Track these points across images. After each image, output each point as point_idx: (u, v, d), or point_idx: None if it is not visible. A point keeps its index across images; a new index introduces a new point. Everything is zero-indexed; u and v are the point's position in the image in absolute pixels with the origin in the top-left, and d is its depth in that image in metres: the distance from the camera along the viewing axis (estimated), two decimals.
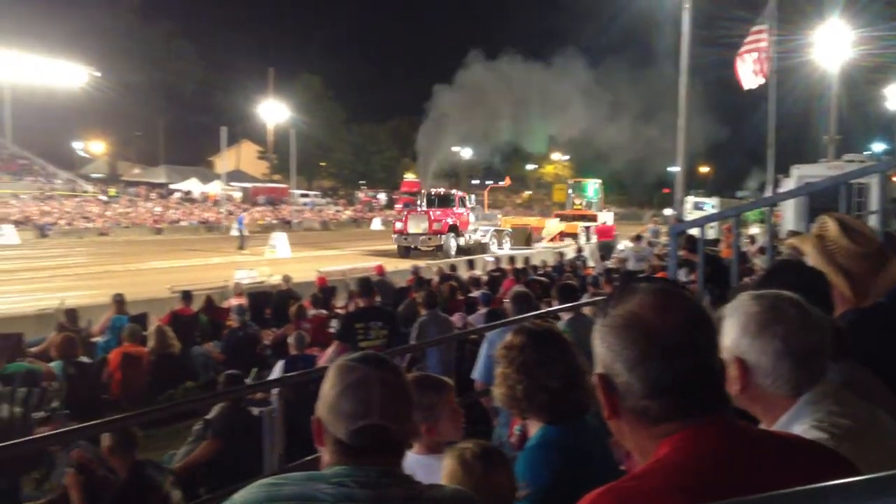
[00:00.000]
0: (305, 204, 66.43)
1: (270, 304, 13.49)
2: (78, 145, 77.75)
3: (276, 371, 7.99)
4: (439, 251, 31.74)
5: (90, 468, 4.92)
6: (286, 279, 15.02)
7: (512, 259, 19.50)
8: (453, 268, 17.16)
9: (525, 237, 36.80)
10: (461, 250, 32.27)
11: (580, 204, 44.81)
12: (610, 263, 18.01)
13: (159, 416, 5.82)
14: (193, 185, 68.25)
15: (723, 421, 1.33)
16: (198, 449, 5.70)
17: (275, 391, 5.43)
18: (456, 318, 9.43)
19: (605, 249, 24.51)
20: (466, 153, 79.77)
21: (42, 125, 65.00)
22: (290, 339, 8.53)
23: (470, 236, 33.93)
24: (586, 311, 6.74)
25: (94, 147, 77.58)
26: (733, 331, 1.70)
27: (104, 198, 57.97)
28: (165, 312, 11.71)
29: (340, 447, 1.66)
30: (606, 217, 42.98)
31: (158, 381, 9.09)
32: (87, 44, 63.36)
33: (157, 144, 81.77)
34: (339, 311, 12.31)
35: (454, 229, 32.97)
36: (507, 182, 53.97)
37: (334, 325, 10.58)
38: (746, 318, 1.70)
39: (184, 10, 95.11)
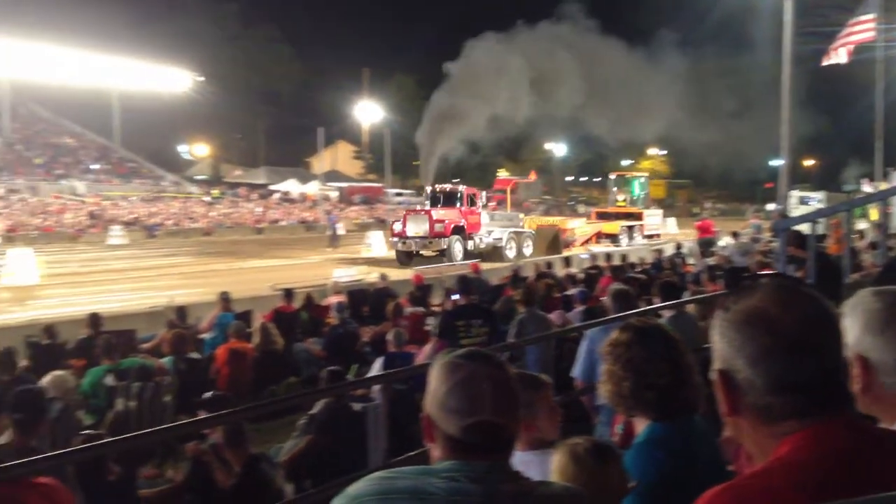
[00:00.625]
0: (400, 203, 67.14)
1: (368, 301, 13.70)
2: (183, 148, 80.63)
3: (376, 368, 8.11)
4: (442, 256, 28.19)
5: (206, 461, 5.10)
6: (383, 277, 15.22)
7: (608, 256, 19.28)
8: (549, 265, 17.08)
9: (550, 240, 32.24)
10: (471, 255, 28.13)
11: (623, 201, 40.19)
12: (711, 260, 17.60)
13: (267, 411, 5.98)
14: (292, 186, 69.76)
15: (846, 420, 1.30)
16: (302, 443, 5.84)
17: (376, 388, 5.53)
18: (555, 316, 9.38)
19: (706, 246, 23.95)
20: (560, 149, 79.20)
21: (149, 129, 67.57)
22: (389, 337, 8.64)
23: (481, 239, 29.71)
24: (689, 309, 6.61)
25: (198, 150, 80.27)
26: (855, 328, 1.65)
27: (208, 199, 59.86)
28: (268, 310, 12.04)
29: (451, 443, 1.68)
30: (653, 216, 38.93)
31: (262, 376, 9.35)
32: (191, 50, 65.57)
33: (258, 146, 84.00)
34: (435, 308, 12.40)
35: (459, 231, 28.80)
36: (532, 177, 49.41)
37: (431, 323, 10.66)
38: (868, 315, 1.65)
39: (283, 15, 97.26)
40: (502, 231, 30.53)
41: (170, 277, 24.08)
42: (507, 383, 1.73)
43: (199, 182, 70.29)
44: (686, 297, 8.39)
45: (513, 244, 30.43)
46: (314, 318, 12.05)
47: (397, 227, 29.05)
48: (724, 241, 22.41)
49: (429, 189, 31.77)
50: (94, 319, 10.09)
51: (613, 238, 34.48)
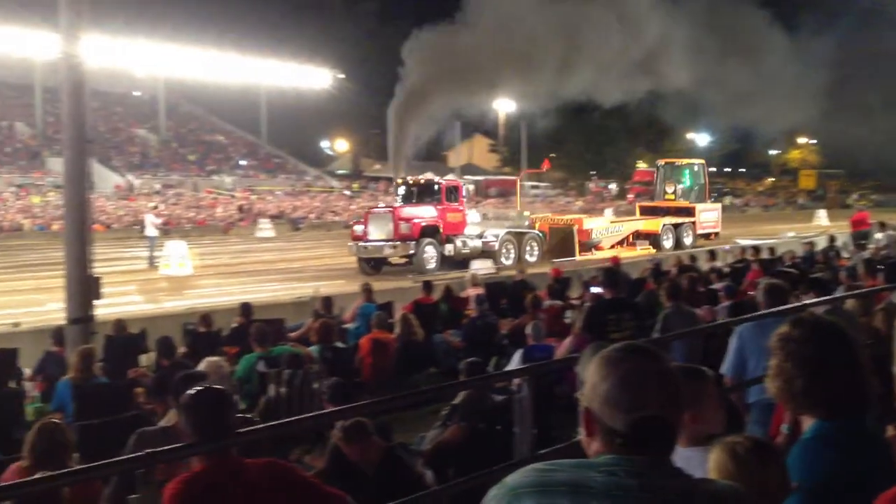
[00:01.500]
0: (536, 195, 66.85)
1: (506, 294, 13.73)
2: (325, 144, 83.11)
3: (516, 360, 8.12)
4: (411, 264, 23.23)
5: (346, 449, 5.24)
6: (521, 270, 15.22)
7: (756, 249, 18.57)
8: (693, 258, 16.63)
9: (560, 242, 26.63)
10: (451, 262, 23.62)
11: (672, 193, 33.42)
12: (867, 254, 16.68)
13: (411, 401, 6.09)
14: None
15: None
16: (446, 433, 5.92)
17: (516, 380, 5.53)
18: (703, 312, 9.12)
19: (861, 238, 22.69)
20: (703, 139, 76.81)
21: (294, 126, 70.00)
22: (528, 329, 8.63)
23: (465, 242, 24.29)
24: (848, 304, 6.27)
25: (339, 145, 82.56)
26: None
27: (348, 193, 61.50)
28: (408, 301, 12.26)
29: (614, 437, 1.65)
30: (709, 210, 32.79)
31: (404, 366, 9.53)
32: (331, 48, 67.40)
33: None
34: (573, 301, 12.29)
35: (433, 232, 23.63)
36: (545, 166, 42.55)
37: (570, 316, 10.58)
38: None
39: (419, 12, 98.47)
40: (496, 232, 25.51)
41: (314, 269, 24.89)
42: (672, 377, 1.70)
43: (340, 176, 72.32)
44: (841, 291, 7.97)
45: (510, 248, 25.20)
46: (453, 310, 12.19)
47: (358, 228, 24.17)
48: (880, 234, 21.20)
49: (399, 181, 26.20)
50: (246, 309, 10.56)
51: (653, 239, 29.20)
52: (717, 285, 11.96)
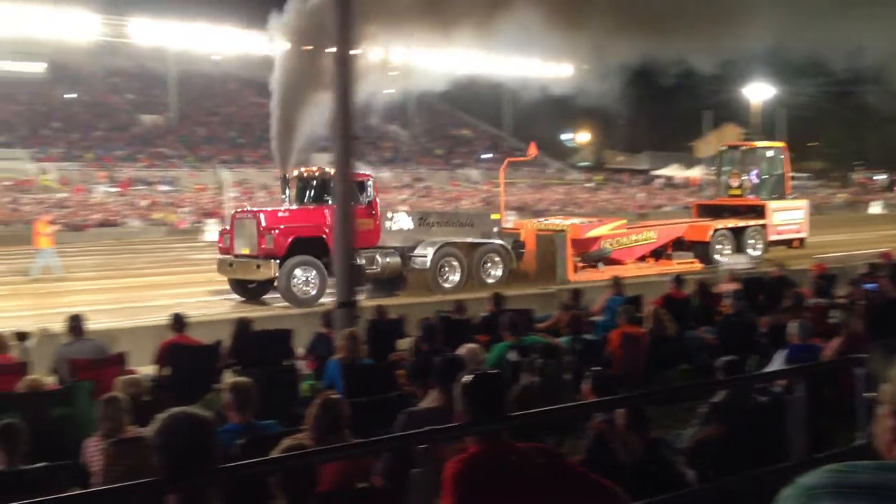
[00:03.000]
0: (794, 187, 63.01)
1: (763, 290, 13.08)
2: (567, 136, 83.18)
3: (779, 360, 7.74)
4: (270, 288, 17.85)
5: (607, 440, 5.24)
6: (780, 266, 14.45)
7: None
8: None
9: (545, 256, 20.20)
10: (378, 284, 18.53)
11: (738, 188, 25.45)
12: None
13: (668, 397, 5.99)
14: (675, 171, 68.76)
15: None
16: (706, 431, 5.77)
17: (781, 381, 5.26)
18: None
19: None
20: None
21: (536, 119, 70.61)
22: (792, 328, 8.17)
23: (374, 258, 18.15)
24: None
25: (581, 137, 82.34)
26: None
27: (591, 185, 61.17)
28: (658, 295, 12.00)
29: None
30: (789, 209, 24.87)
31: (655, 361, 9.34)
32: (573, 39, 67.12)
33: (640, 132, 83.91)
34: (839, 300, 11.47)
35: (313, 246, 17.40)
36: (532, 152, 29.51)
37: (835, 315, 9.90)
38: None
39: None
40: (429, 247, 18.65)
41: None
42: None
43: (582, 169, 72.11)
44: None
45: (453, 264, 18.97)
46: (706, 306, 11.78)
47: (226, 240, 18.60)
48: None
49: (287, 177, 19.51)
50: (497, 299, 10.83)
51: (701, 248, 22.31)
52: None
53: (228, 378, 6.96)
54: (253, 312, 14.15)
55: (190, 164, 54.26)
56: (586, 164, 76.66)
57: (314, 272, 17.15)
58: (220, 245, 18.76)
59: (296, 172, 19.38)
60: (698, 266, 21.08)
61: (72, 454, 5.71)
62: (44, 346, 10.23)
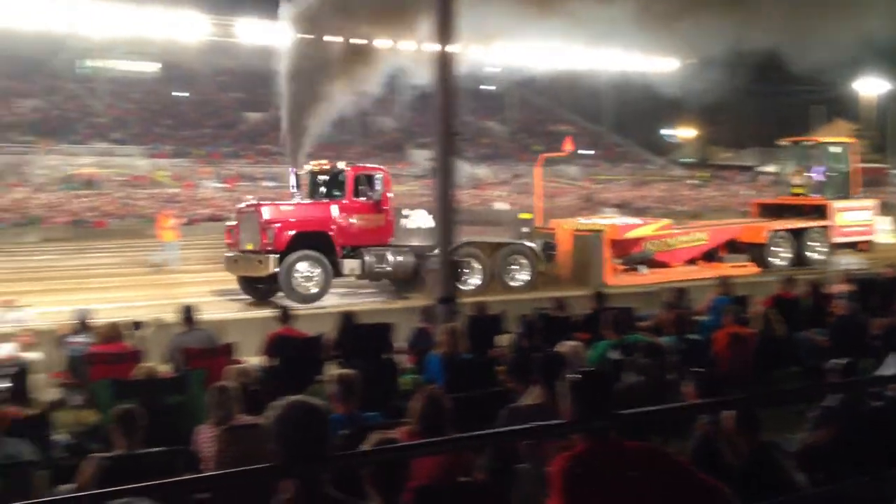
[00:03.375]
0: None
1: (876, 291, 12.55)
2: (669, 132, 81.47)
3: (892, 363, 7.45)
4: (272, 285, 17.31)
5: (713, 441, 5.13)
6: (894, 267, 13.85)
7: None
8: None
9: (583, 257, 18.95)
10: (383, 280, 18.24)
11: (801, 187, 23.60)
12: None
13: (778, 399, 5.83)
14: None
15: None
16: (817, 435, 5.60)
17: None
18: None
19: None
20: None
21: (638, 114, 69.46)
22: None
23: (384, 256, 17.67)
24: None
25: (684, 133, 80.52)
26: None
27: (696, 182, 59.83)
28: (765, 295, 11.70)
29: None
30: (857, 210, 23.03)
31: (763, 363, 9.07)
32: (685, 33, 65.66)
33: (747, 128, 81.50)
34: None
35: (316, 241, 17.19)
36: (568, 147, 27.19)
37: None
38: None
39: None
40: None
41: None
42: None
43: (686, 165, 70.56)
44: None
45: (475, 266, 18.14)
46: (817, 307, 11.39)
47: (234, 236, 18.10)
48: None
49: (297, 171, 19.04)
50: (599, 296, 10.73)
51: (756, 251, 20.77)
52: None
53: (332, 370, 7.11)
54: (356, 306, 14.41)
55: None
56: (690, 160, 74.90)
57: (319, 269, 16.90)
58: (228, 241, 18.24)
59: (307, 167, 19.11)
60: (752, 270, 19.87)
61: (183, 440, 5.93)
62: (157, 336, 10.68)
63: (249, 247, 17.33)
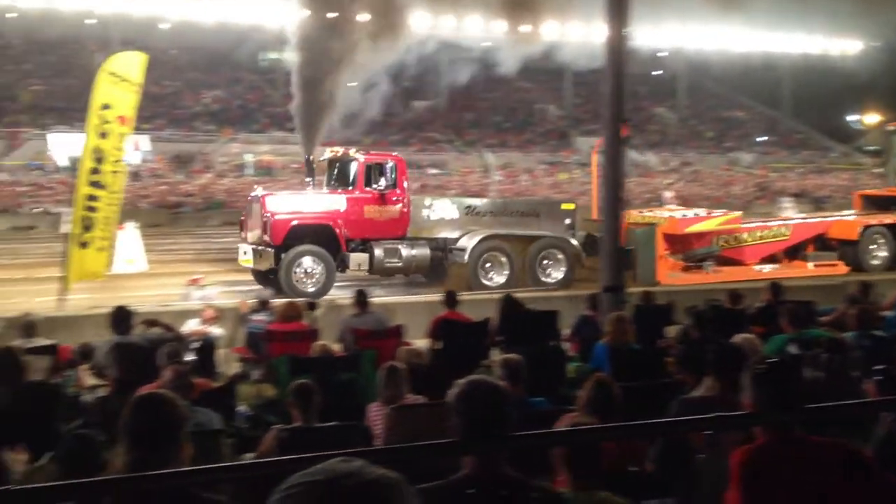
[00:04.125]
0: None
1: None
2: (853, 118, 76.68)
3: None
4: (272, 278, 16.12)
5: None
6: None
7: None
8: None
9: (633, 253, 14.96)
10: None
11: None
12: None
13: None
14: None
15: None
16: None
17: None
18: None
19: None
20: None
21: (819, 100, 65.77)
22: None
23: (397, 249, 16.42)
24: None
25: (869, 119, 75.57)
26: None
27: (880, 170, 56.07)
28: None
29: None
30: None
31: None
32: (864, 15, 61.69)
33: None
34: None
35: (321, 235, 16.21)
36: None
37: None
38: None
39: None
40: (471, 238, 16.57)
41: None
42: None
43: (871, 153, 66.15)
44: None
45: (502, 260, 16.80)
46: None
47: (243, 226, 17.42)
48: None
49: (311, 159, 18.14)
50: (775, 289, 10.28)
51: (848, 248, 18.28)
52: None
53: (497, 355, 7.17)
54: (518, 293, 14.45)
55: (457, 147, 56.19)
56: (875, 148, 70.14)
57: (322, 265, 15.94)
58: (242, 234, 17.46)
59: (323, 155, 18.05)
60: (841, 270, 17.74)
61: (355, 417, 6.15)
62: (328, 317, 11.12)
63: (255, 238, 16.65)
